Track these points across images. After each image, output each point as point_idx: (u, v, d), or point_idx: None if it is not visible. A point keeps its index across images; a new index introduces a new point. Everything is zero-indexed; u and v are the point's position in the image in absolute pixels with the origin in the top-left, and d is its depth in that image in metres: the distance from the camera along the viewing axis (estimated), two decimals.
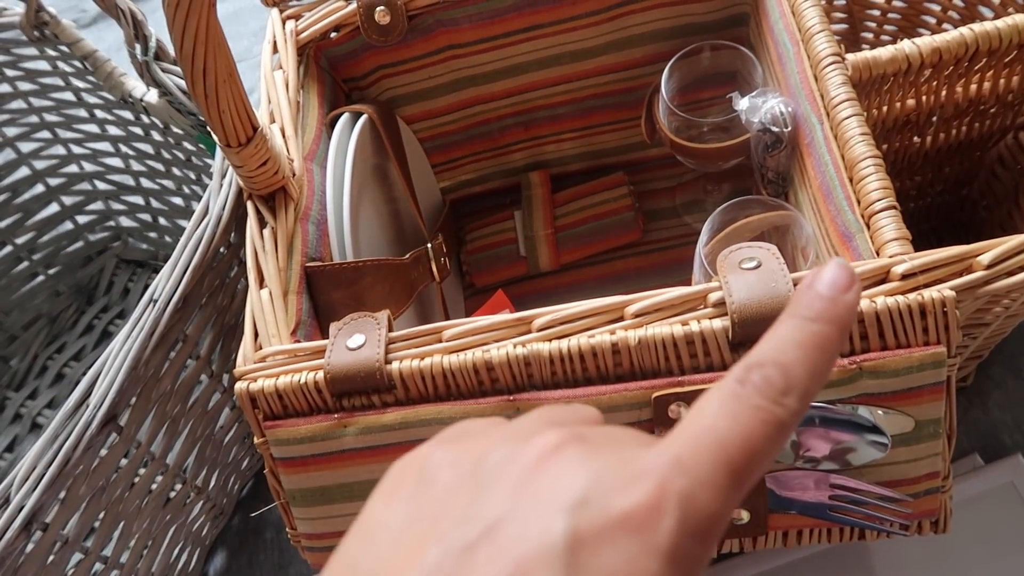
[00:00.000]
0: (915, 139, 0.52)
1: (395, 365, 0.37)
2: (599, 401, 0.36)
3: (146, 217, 0.76)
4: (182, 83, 0.52)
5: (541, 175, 0.66)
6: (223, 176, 0.47)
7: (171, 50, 0.54)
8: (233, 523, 0.63)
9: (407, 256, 0.51)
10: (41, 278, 0.76)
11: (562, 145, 0.65)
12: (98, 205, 0.77)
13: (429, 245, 0.55)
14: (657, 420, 0.36)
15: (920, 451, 0.35)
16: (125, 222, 0.78)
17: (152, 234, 0.77)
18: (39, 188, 0.74)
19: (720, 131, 0.54)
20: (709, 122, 0.53)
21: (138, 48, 0.52)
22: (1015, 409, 0.54)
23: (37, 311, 0.76)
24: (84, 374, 0.72)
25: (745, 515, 0.37)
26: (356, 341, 0.38)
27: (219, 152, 0.49)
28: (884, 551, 0.51)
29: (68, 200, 0.76)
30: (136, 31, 0.51)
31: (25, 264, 0.75)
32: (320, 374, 0.38)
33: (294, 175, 0.46)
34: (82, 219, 0.77)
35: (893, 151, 0.53)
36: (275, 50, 0.52)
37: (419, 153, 0.62)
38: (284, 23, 0.53)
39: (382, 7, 0.52)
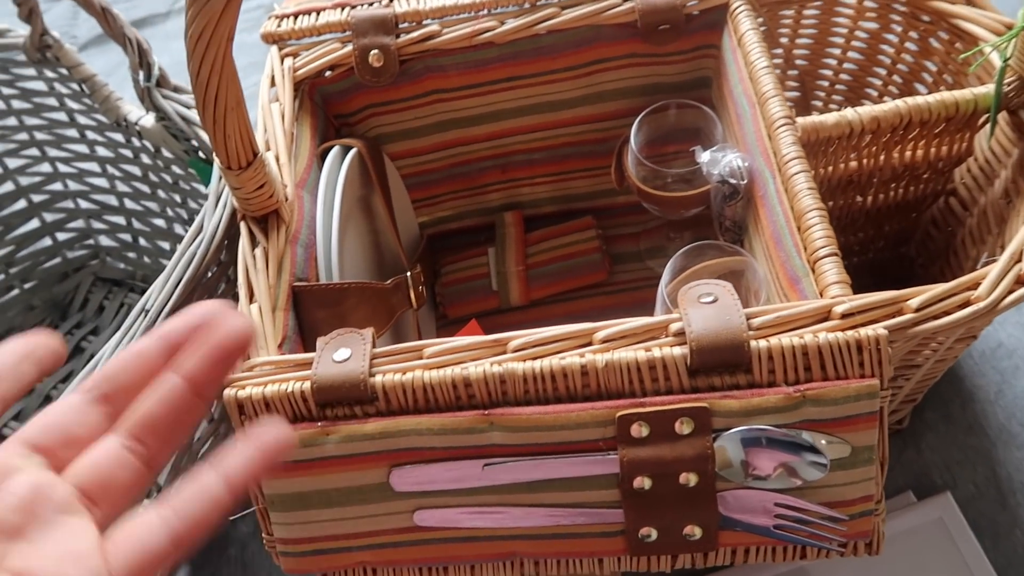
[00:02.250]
0: (858, 198, 0.57)
1: (378, 378, 0.40)
2: (568, 419, 0.39)
3: (126, 237, 0.77)
4: (181, 109, 0.55)
5: (515, 215, 0.70)
6: (218, 198, 0.50)
7: (172, 79, 0.57)
8: None
9: (389, 282, 0.54)
10: (16, 292, 0.77)
11: (536, 188, 0.69)
12: (79, 223, 0.78)
13: (409, 273, 0.57)
14: (620, 438, 0.39)
15: (855, 475, 0.39)
16: (104, 241, 0.79)
17: (131, 254, 0.78)
18: (21, 203, 0.75)
19: (682, 182, 0.58)
20: (673, 173, 0.58)
21: (141, 74, 0.55)
22: (945, 451, 0.59)
23: (10, 324, 0.76)
24: (54, 388, 0.73)
25: (698, 531, 0.40)
26: (342, 354, 0.41)
27: (215, 174, 0.51)
28: None
29: (49, 217, 0.77)
30: (141, 59, 0.54)
31: (1, 277, 0.76)
32: (306, 384, 0.40)
33: (287, 200, 0.49)
34: (62, 236, 0.78)
35: (838, 208, 0.58)
36: (272, 84, 0.55)
37: (401, 188, 0.65)
38: (283, 60, 0.56)
39: (376, 51, 0.55)
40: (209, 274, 0.50)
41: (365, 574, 0.43)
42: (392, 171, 0.63)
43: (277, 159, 0.51)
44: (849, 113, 0.49)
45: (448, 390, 0.40)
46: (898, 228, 0.61)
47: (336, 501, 0.41)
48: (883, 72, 0.62)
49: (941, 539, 0.54)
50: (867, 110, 0.49)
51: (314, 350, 0.42)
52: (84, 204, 0.77)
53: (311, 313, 0.48)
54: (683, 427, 0.38)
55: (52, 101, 0.67)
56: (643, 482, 0.39)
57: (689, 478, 0.39)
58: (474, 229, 0.71)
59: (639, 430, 0.38)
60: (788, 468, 0.38)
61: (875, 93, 0.64)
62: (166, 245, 0.75)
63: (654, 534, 0.40)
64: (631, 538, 0.40)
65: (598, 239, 0.69)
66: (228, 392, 0.41)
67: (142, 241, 0.77)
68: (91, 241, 0.79)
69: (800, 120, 0.49)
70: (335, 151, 0.55)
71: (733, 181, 0.51)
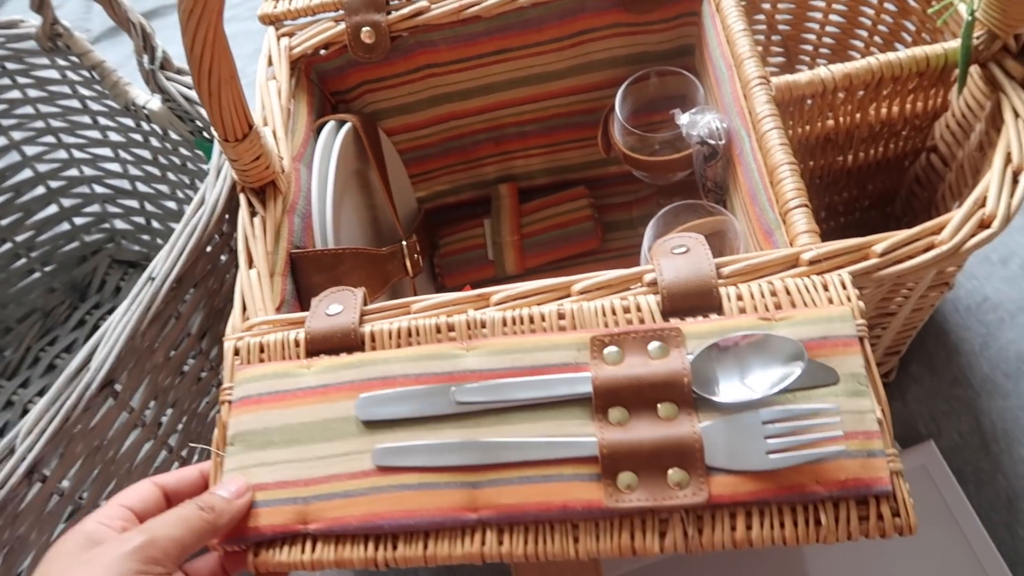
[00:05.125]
0: (839, 157, 0.58)
1: (367, 328, 0.42)
2: (541, 341, 0.39)
3: (140, 220, 0.81)
4: (185, 91, 0.58)
5: (510, 187, 0.72)
6: (219, 172, 0.53)
7: (176, 61, 0.59)
8: None
9: (384, 249, 0.56)
10: (37, 275, 0.80)
11: (530, 160, 0.71)
12: (95, 208, 0.81)
13: (404, 243, 0.60)
14: (593, 358, 0.38)
15: (848, 405, 0.36)
16: (119, 224, 0.82)
17: (145, 237, 0.82)
18: (40, 190, 0.79)
19: (669, 147, 0.60)
20: (659, 139, 0.60)
21: (145, 58, 0.57)
22: (930, 403, 0.60)
23: (32, 305, 0.80)
24: (57, 357, 0.76)
25: (681, 475, 0.36)
26: (335, 309, 0.43)
27: (216, 149, 0.54)
28: None
29: (67, 202, 0.80)
30: (145, 42, 0.57)
31: (23, 261, 0.80)
32: (300, 333, 0.42)
33: (283, 171, 0.52)
34: (79, 220, 0.81)
35: (819, 167, 0.59)
36: (270, 63, 0.58)
37: (398, 164, 0.68)
38: (279, 40, 0.59)
39: (367, 28, 0.58)
40: (212, 244, 0.53)
41: (304, 542, 0.38)
42: (389, 147, 0.66)
43: (274, 134, 0.54)
44: (822, 71, 0.50)
45: (431, 334, 0.41)
46: (882, 187, 0.63)
47: (297, 438, 0.39)
48: (864, 34, 0.63)
49: (924, 486, 0.55)
50: (839, 67, 0.50)
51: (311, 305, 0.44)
52: (99, 189, 0.80)
53: (308, 278, 0.51)
54: (655, 348, 0.39)
55: (65, 89, 0.70)
56: (619, 414, 0.39)
57: (667, 409, 0.38)
58: (471, 202, 0.73)
59: (612, 351, 0.38)
60: (767, 372, 0.36)
61: (858, 55, 0.65)
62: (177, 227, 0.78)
63: (634, 481, 0.39)
64: (608, 487, 0.38)
65: (590, 208, 0.71)
66: (227, 345, 0.43)
67: (155, 223, 0.80)
68: (107, 225, 0.83)
69: (774, 79, 0.50)
70: (329, 126, 0.57)
71: (712, 142, 0.53)
